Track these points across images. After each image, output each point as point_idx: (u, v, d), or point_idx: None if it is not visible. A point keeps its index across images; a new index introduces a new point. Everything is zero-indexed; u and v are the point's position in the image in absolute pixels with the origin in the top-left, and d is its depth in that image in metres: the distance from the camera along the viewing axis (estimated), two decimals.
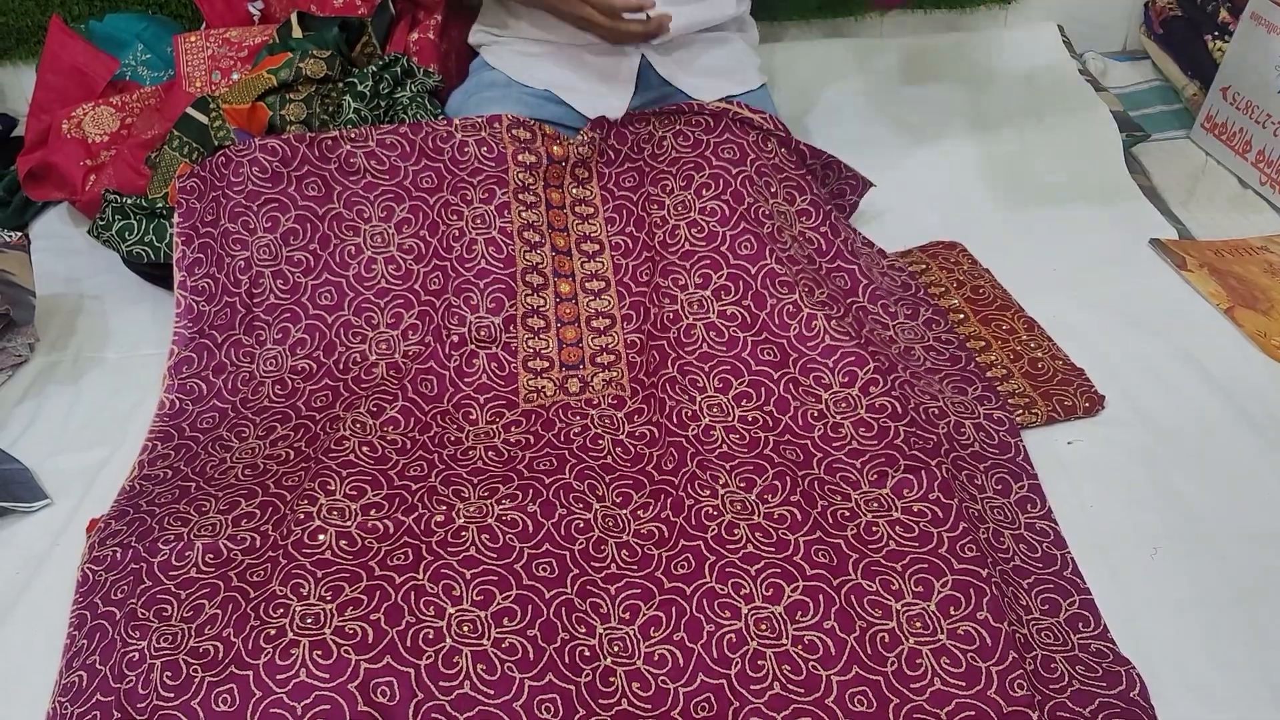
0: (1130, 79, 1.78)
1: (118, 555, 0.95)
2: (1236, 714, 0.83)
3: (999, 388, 1.12)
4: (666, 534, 0.96)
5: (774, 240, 1.17)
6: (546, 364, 1.15)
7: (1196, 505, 1.00)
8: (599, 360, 1.15)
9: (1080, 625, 0.90)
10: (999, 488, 1.01)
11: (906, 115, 1.65)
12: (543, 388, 1.13)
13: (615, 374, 1.14)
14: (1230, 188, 1.52)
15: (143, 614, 0.89)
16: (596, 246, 1.19)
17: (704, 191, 1.19)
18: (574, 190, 1.18)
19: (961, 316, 1.24)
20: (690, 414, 1.06)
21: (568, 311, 1.18)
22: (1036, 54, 1.75)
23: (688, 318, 1.13)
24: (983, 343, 1.20)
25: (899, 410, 1.03)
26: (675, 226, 1.18)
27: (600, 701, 0.83)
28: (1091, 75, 1.70)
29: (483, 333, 1.15)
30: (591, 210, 1.24)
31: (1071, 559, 0.95)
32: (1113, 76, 1.78)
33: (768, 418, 1.06)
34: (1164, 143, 1.62)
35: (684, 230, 1.18)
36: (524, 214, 1.17)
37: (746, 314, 1.13)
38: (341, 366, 1.17)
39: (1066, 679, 0.84)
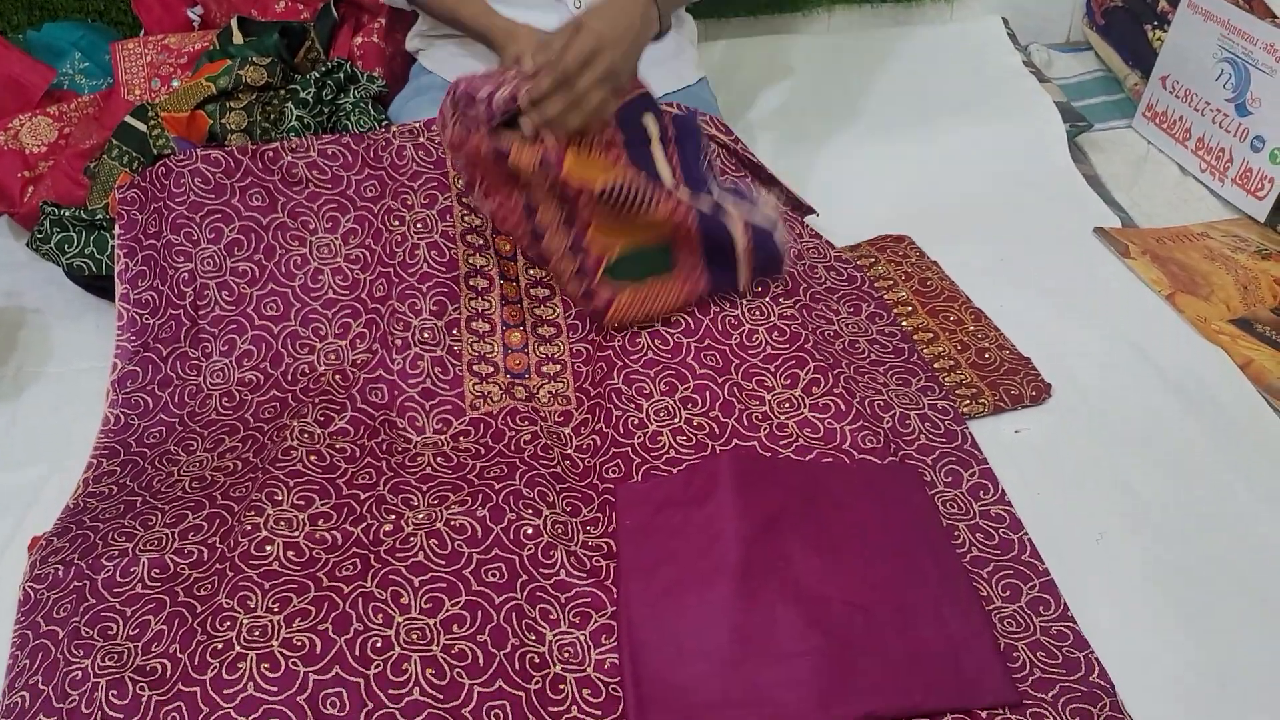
0: (1074, 70, 1.81)
1: (60, 573, 0.93)
2: (1183, 692, 0.85)
3: (946, 379, 1.13)
4: (616, 548, 0.95)
5: None
6: (491, 369, 1.14)
7: (1140, 489, 1.02)
8: (544, 370, 1.15)
9: (1041, 609, 0.90)
10: (949, 480, 1.01)
11: (853, 109, 1.66)
12: (489, 393, 1.12)
13: (561, 385, 1.13)
14: (1172, 175, 1.54)
15: (86, 632, 0.88)
16: None
17: None
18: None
19: (909, 309, 1.25)
20: (637, 421, 1.06)
21: (513, 315, 1.17)
22: (981, 47, 1.77)
23: (632, 326, 1.13)
24: (930, 334, 1.21)
25: (843, 408, 1.04)
26: None
27: (550, 709, 0.83)
28: (1036, 67, 1.72)
29: (426, 335, 1.14)
30: None
31: (1029, 541, 0.96)
32: (1057, 67, 1.81)
33: (714, 424, 1.05)
34: (1107, 133, 1.64)
35: None
36: (467, 218, 1.16)
37: (690, 320, 1.12)
38: (289, 378, 1.16)
39: (1029, 668, 0.85)
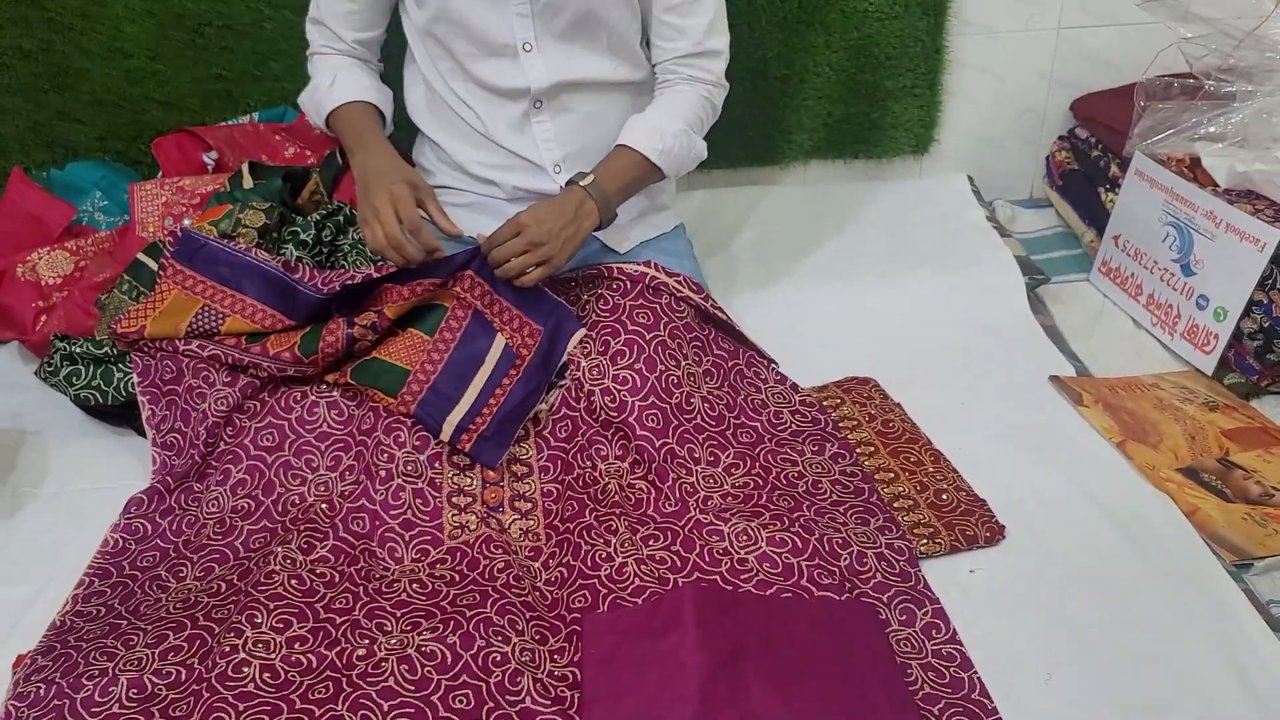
0: (1036, 225, 1.92)
1: (41, 691, 0.96)
2: None
3: (905, 518, 1.18)
4: (581, 677, 0.99)
5: (680, 413, 1.27)
6: (470, 499, 1.20)
7: (1089, 630, 1.06)
8: (516, 505, 1.21)
9: None
10: (903, 618, 1.06)
11: (826, 256, 1.75)
12: (467, 523, 1.17)
13: (531, 522, 1.19)
14: (1126, 328, 1.62)
15: None
16: None
17: (619, 359, 1.28)
18: None
19: (872, 449, 1.31)
20: (604, 555, 1.11)
21: None
22: (948, 202, 1.88)
23: (603, 480, 1.21)
24: (891, 474, 1.27)
25: (800, 545, 1.09)
26: (591, 392, 1.26)
27: None
28: (999, 222, 1.82)
29: (409, 467, 1.20)
30: None
31: (978, 680, 0.99)
32: (1020, 222, 1.92)
33: (675, 557, 1.11)
34: (1066, 285, 1.73)
35: (598, 397, 1.26)
36: None
37: (652, 488, 1.21)
38: (280, 508, 1.20)
39: None
